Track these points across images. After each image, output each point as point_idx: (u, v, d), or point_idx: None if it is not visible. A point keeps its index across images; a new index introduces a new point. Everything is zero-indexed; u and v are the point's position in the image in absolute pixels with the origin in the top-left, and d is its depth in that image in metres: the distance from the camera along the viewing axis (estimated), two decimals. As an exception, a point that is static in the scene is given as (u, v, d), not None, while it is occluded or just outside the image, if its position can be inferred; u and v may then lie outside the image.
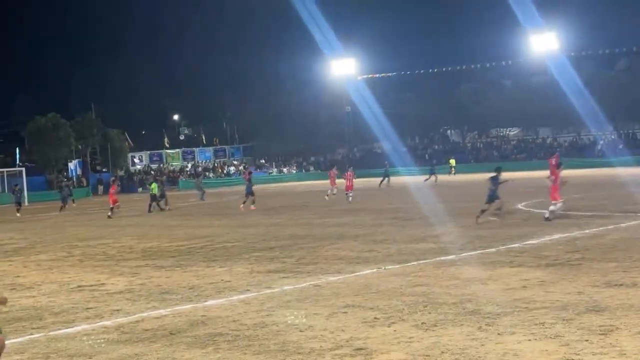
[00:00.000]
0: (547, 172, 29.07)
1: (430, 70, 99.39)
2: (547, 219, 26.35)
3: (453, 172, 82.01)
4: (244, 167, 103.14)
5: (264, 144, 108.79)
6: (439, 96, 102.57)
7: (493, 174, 28.61)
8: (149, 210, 44.65)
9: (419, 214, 32.38)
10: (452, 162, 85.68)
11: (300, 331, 12.06)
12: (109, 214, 42.86)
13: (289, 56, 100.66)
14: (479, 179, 65.94)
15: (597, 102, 78.52)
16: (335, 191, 47.60)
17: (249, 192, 42.42)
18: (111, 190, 45.25)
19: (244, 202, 42.58)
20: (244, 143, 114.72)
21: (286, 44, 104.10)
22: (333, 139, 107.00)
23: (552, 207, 26.90)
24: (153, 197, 45.82)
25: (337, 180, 49.46)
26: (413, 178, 67.83)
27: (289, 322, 12.75)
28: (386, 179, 61.51)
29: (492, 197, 28.06)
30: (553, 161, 27.43)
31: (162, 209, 45.02)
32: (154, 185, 47.85)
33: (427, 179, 65.34)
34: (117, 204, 43.58)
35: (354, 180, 46.86)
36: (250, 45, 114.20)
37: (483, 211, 27.87)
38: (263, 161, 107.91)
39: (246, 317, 13.28)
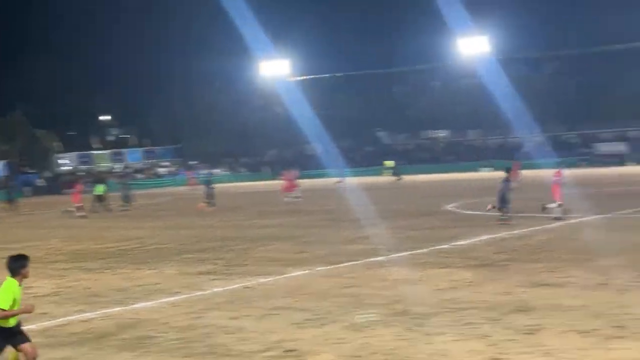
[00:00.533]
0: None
1: (362, 72, 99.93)
2: (558, 219, 26.53)
3: (391, 174, 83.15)
4: (176, 169, 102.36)
5: (194, 145, 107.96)
6: (370, 98, 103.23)
7: (504, 176, 28.18)
8: (94, 211, 44.27)
9: (351, 216, 32.46)
10: (388, 163, 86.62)
11: (230, 333, 12.00)
12: (80, 213, 42.32)
13: (221, 58, 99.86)
14: (412, 180, 66.71)
15: (525, 105, 79.62)
16: (298, 194, 47.48)
17: (208, 195, 42.67)
18: (75, 190, 44.83)
19: (206, 204, 42.47)
20: (174, 144, 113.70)
21: (217, 47, 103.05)
22: (264, 140, 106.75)
23: (557, 208, 27.25)
24: (97, 198, 45.48)
25: (274, 182, 49.47)
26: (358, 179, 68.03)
27: (219, 324, 12.68)
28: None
29: (503, 200, 27.28)
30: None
31: (105, 210, 44.67)
32: (99, 187, 47.37)
33: (398, 179, 67.47)
34: (78, 204, 43.02)
35: (294, 182, 47.09)
36: (179, 46, 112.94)
37: (499, 209, 27.62)
38: (195, 162, 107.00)
39: (176, 320, 13.17)
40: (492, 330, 11.23)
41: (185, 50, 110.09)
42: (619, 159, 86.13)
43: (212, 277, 17.74)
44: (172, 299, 15.24)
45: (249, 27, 79.06)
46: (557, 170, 29.14)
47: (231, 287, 16.24)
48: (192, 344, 11.46)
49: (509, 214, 26.74)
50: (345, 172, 67.48)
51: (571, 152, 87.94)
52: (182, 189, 77.69)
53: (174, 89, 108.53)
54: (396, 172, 73.66)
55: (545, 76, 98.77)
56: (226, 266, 19.41)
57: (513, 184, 28.50)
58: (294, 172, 50.57)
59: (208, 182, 44.68)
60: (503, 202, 27.11)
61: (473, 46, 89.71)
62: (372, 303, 13.61)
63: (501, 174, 29.08)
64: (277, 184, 49.40)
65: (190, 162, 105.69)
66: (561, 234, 22.62)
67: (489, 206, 27.91)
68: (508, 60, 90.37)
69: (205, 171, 77.91)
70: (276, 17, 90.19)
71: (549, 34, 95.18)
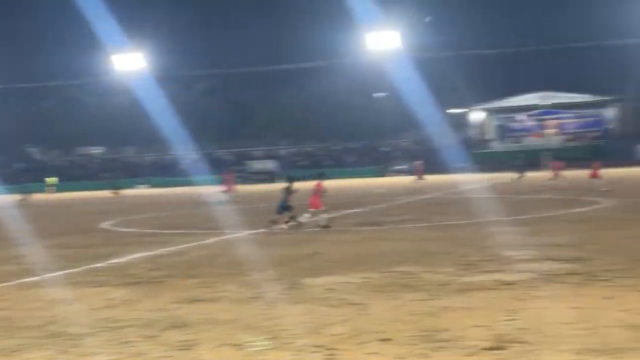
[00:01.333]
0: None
1: (7, 86, 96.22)
2: (325, 227, 27.18)
3: (52, 190, 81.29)
4: None
5: None
6: (19, 113, 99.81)
7: (285, 185, 28.69)
8: None
9: (3, 235, 31.06)
10: (51, 180, 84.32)
11: None
12: None
13: None
14: (66, 198, 65.17)
15: (180, 123, 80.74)
16: None
17: None
18: None
19: None
20: None
21: None
22: None
23: (323, 215, 27.98)
24: None
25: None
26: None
27: None
28: None
29: (283, 208, 28.09)
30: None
31: None
32: None
33: (116, 193, 65.38)
34: None
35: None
36: None
37: (274, 222, 27.89)
38: None
39: None
40: (149, 348, 11.29)
41: None
42: (269, 176, 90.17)
43: None
44: None
45: None
46: (317, 181, 29.98)
47: None
48: None
49: (294, 218, 27.96)
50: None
51: (226, 169, 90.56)
52: None
53: None
54: (114, 185, 71.37)
55: (199, 94, 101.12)
56: None
57: (224, 196, 29.40)
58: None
59: None
60: (285, 209, 28.05)
61: (129, 63, 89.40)
62: (24, 326, 13.15)
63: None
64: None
65: None
66: (217, 250, 23.20)
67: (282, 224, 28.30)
68: (164, 78, 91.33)
69: None
70: None
71: (201, 53, 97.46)
